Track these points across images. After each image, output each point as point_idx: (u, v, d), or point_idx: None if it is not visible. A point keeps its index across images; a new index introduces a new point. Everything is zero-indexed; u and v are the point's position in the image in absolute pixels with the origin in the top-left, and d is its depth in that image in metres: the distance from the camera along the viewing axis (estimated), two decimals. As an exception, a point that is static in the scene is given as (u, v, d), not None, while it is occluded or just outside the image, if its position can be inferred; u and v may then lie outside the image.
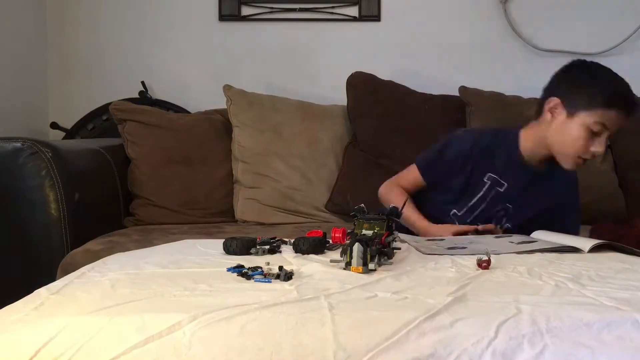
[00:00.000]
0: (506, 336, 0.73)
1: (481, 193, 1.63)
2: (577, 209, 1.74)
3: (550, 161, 1.61)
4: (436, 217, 1.64)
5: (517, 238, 1.39)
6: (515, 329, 0.75)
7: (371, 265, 1.03)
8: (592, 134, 1.50)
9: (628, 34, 2.50)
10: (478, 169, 1.64)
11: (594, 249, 1.22)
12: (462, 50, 2.52)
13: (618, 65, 2.49)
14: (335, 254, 1.13)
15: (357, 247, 1.02)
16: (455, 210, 1.66)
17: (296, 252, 1.18)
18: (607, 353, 0.71)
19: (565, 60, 2.62)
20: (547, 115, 1.57)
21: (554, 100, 1.56)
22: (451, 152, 1.66)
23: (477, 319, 0.77)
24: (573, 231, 1.62)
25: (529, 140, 1.63)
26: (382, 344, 0.71)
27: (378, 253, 1.05)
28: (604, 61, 1.46)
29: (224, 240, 1.21)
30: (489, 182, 1.63)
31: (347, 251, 1.04)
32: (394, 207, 1.20)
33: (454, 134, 1.72)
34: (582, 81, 1.54)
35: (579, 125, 1.50)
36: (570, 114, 1.52)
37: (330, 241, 1.21)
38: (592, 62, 1.59)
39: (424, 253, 1.21)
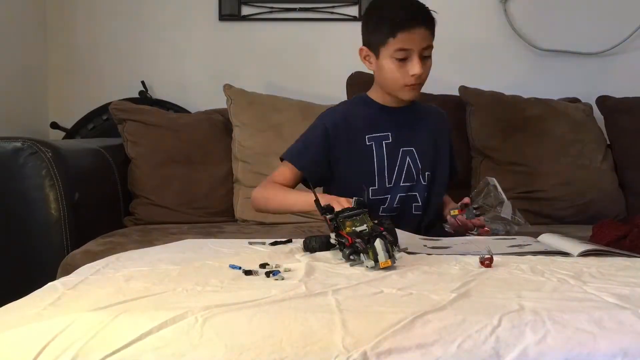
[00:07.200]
0: (509, 324, 0.75)
1: (375, 154, 1.60)
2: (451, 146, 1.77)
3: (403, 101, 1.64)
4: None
5: (519, 240, 1.38)
6: (518, 318, 0.77)
7: (397, 255, 1.05)
8: (402, 61, 1.53)
9: (628, 34, 2.51)
10: (352, 136, 1.62)
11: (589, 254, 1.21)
12: (462, 50, 2.52)
13: (618, 65, 2.54)
14: (339, 253, 1.14)
15: (379, 242, 1.03)
16: (372, 188, 1.60)
17: (306, 250, 1.20)
18: (608, 338, 0.73)
19: (565, 60, 2.63)
20: (366, 64, 1.63)
21: (363, 50, 1.61)
22: (315, 134, 1.62)
23: (481, 312, 0.79)
24: (457, 170, 1.76)
25: (373, 91, 1.68)
26: (388, 330, 0.73)
27: (389, 241, 1.07)
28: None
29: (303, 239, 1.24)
30: (373, 142, 1.61)
31: (367, 251, 1.04)
32: (357, 198, 1.21)
33: (316, 120, 1.68)
34: (370, 21, 1.59)
35: (386, 61, 1.55)
36: (376, 55, 1.57)
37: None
38: None
39: (407, 252, 1.20)
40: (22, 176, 1.65)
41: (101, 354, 0.70)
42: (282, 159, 1.61)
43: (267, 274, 1.01)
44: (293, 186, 1.60)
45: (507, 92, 2.31)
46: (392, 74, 1.55)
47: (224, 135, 2.19)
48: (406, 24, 1.51)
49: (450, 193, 1.75)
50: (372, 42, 1.57)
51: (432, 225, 1.64)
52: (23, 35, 2.41)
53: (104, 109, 2.37)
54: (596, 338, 0.73)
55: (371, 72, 2.25)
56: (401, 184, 1.59)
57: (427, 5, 1.56)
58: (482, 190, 1.85)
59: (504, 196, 1.77)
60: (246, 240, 1.34)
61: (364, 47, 1.61)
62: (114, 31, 2.54)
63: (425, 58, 1.55)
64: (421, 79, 1.56)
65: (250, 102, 2.20)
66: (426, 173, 1.62)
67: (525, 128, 2.22)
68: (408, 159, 1.62)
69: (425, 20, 1.53)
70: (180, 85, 2.54)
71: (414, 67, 1.52)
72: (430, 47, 1.55)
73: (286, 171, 1.59)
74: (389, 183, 1.60)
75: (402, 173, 1.60)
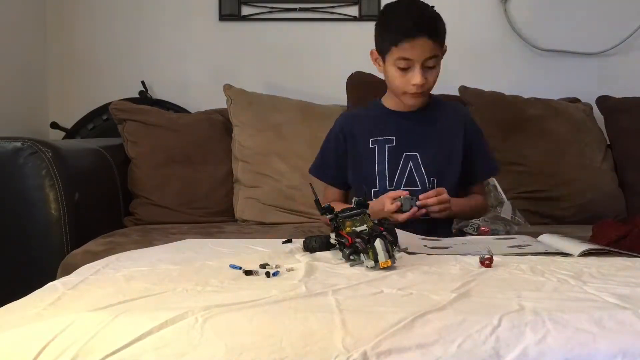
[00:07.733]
0: (509, 324, 0.76)
1: (377, 157, 1.62)
2: (485, 152, 1.71)
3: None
4: None
5: (519, 240, 1.38)
6: (518, 318, 0.77)
7: (397, 255, 1.06)
8: (404, 70, 1.55)
9: (628, 34, 2.51)
10: (358, 138, 1.67)
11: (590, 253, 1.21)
12: (462, 50, 2.51)
13: (618, 65, 2.54)
14: (339, 253, 1.14)
15: (379, 242, 1.03)
16: (374, 190, 1.62)
17: (306, 250, 1.20)
18: (608, 338, 0.73)
19: (565, 60, 2.63)
20: (377, 67, 1.66)
21: (374, 53, 1.64)
22: (329, 142, 1.72)
23: (481, 312, 0.79)
24: (485, 170, 1.69)
25: (386, 96, 1.71)
26: (388, 330, 0.73)
27: (389, 241, 1.07)
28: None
29: (303, 239, 1.24)
30: (376, 145, 1.64)
31: (367, 251, 1.04)
32: (357, 198, 1.21)
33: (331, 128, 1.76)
34: (379, 26, 1.62)
35: (390, 67, 1.58)
36: (383, 59, 1.60)
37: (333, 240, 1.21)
38: (391, 3, 1.63)
39: (407, 252, 1.19)
40: (22, 176, 1.65)
41: (101, 354, 0.71)
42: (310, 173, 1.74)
43: (267, 274, 1.01)
44: (344, 197, 1.72)
45: (507, 92, 2.31)
46: (394, 80, 1.58)
47: (224, 135, 2.19)
48: (408, 33, 1.51)
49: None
50: (380, 47, 1.60)
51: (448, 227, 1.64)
52: (23, 35, 2.41)
53: (104, 109, 2.37)
54: (596, 338, 0.73)
55: (371, 73, 2.27)
56: (402, 188, 1.58)
57: (436, 14, 1.56)
58: (482, 190, 1.85)
59: (504, 196, 1.77)
60: (246, 240, 1.34)
61: (374, 51, 1.64)
62: (113, 31, 2.54)
63: (430, 67, 1.54)
64: (424, 88, 1.56)
65: (250, 102, 2.20)
66: (431, 178, 1.60)
67: (525, 128, 2.21)
68: (411, 163, 1.62)
69: (430, 31, 1.52)
70: (180, 85, 2.54)
71: (415, 77, 1.53)
72: (435, 57, 1.54)
73: (328, 191, 1.71)
74: (390, 186, 1.61)
75: (403, 177, 1.61)
